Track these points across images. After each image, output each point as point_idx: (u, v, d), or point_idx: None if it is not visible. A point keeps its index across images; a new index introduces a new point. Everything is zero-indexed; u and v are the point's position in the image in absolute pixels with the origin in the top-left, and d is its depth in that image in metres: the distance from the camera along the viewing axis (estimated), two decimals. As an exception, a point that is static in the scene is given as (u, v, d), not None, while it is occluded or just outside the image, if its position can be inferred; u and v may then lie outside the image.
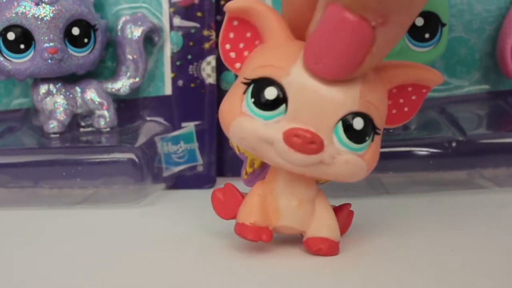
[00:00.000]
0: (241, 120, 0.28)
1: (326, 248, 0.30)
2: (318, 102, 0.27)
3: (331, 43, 0.26)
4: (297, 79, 0.28)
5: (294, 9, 0.29)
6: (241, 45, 0.30)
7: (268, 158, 0.29)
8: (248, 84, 0.28)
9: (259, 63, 0.29)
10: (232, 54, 0.31)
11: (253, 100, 0.28)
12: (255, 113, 0.28)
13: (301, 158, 0.27)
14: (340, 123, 0.28)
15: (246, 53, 0.30)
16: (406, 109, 0.31)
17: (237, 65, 0.31)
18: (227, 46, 0.31)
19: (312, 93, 0.27)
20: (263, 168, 0.32)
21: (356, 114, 0.28)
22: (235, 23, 0.30)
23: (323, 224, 0.30)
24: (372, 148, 0.29)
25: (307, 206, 0.30)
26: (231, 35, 0.30)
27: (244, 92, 0.29)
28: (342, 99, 0.27)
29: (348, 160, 0.28)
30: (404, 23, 0.27)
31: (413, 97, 0.31)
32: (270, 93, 0.28)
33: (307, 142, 0.27)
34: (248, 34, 0.30)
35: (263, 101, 0.28)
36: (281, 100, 0.28)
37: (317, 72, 0.27)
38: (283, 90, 0.28)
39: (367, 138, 0.28)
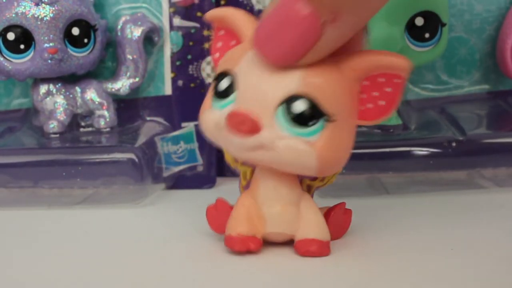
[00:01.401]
0: (205, 113, 0.30)
1: (315, 249, 0.30)
2: (259, 86, 0.28)
3: (278, 30, 0.27)
4: (245, 67, 0.29)
5: None
6: None
7: (225, 147, 0.30)
8: (214, 81, 0.30)
9: (222, 60, 0.30)
10: None
11: (213, 92, 0.30)
12: (215, 105, 0.29)
13: (239, 141, 0.28)
14: (282, 107, 0.28)
15: None
16: (382, 102, 0.29)
17: None
18: (217, 55, 0.32)
19: (255, 78, 0.28)
20: None
21: (297, 96, 0.28)
22: (221, 33, 0.32)
23: (310, 225, 0.30)
24: (326, 136, 0.28)
25: (292, 209, 0.30)
26: (219, 44, 0.32)
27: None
28: (284, 82, 0.28)
29: (290, 145, 0.28)
30: (354, 23, 0.27)
31: (388, 89, 0.29)
32: (223, 83, 0.29)
33: (238, 122, 0.28)
34: (233, 42, 0.31)
35: (219, 92, 0.29)
36: (232, 88, 0.29)
37: (261, 55, 0.28)
38: (234, 79, 0.29)
39: (311, 122, 0.28)
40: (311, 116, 0.27)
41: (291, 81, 0.28)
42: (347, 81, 0.29)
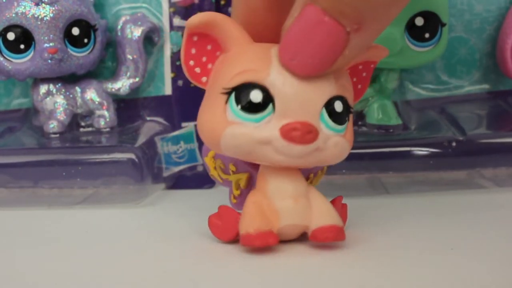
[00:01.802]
0: (231, 128, 0.29)
1: (333, 235, 0.30)
2: (302, 94, 0.29)
3: (306, 43, 0.28)
4: (278, 78, 0.29)
5: (248, 8, 0.31)
6: (204, 59, 0.31)
7: (266, 159, 0.29)
8: (229, 93, 0.29)
9: (235, 71, 0.29)
10: (197, 70, 0.31)
11: (239, 106, 0.29)
12: (244, 118, 0.29)
13: (301, 149, 0.29)
14: (324, 109, 0.29)
15: (209, 65, 0.31)
16: (359, 86, 0.33)
17: (203, 79, 0.31)
18: (191, 63, 0.31)
19: (295, 87, 0.29)
20: (250, 185, 0.33)
21: (335, 98, 0.29)
22: (195, 38, 0.31)
23: (323, 213, 0.31)
24: (349, 126, 0.31)
25: (303, 201, 0.31)
26: (193, 51, 0.31)
27: (226, 102, 0.29)
28: (323, 86, 0.29)
29: (336, 142, 0.30)
30: (377, 29, 0.28)
31: (364, 74, 0.32)
32: (256, 96, 0.29)
33: (305, 133, 0.28)
34: (209, 47, 0.31)
35: (251, 105, 0.29)
36: (267, 100, 0.29)
37: (291, 68, 0.28)
38: (267, 91, 0.29)
39: (347, 118, 0.30)
40: (346, 113, 0.30)
41: (329, 85, 0.29)
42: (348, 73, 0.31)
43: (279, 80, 0.29)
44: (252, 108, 0.29)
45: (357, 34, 0.27)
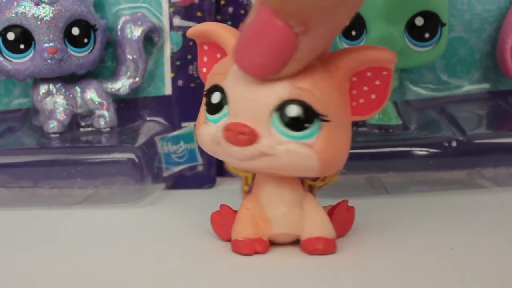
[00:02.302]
0: (201, 128, 0.30)
1: (322, 247, 0.30)
2: (250, 96, 0.28)
3: (257, 43, 0.27)
4: (232, 80, 0.29)
5: None
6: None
7: (224, 159, 0.30)
8: (206, 96, 0.30)
9: (209, 75, 0.31)
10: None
11: (206, 108, 0.30)
12: (209, 120, 0.30)
13: (238, 150, 0.28)
14: (275, 114, 0.28)
15: None
16: (373, 96, 0.30)
17: None
18: (204, 70, 0.32)
19: (244, 89, 0.28)
20: None
21: (289, 101, 0.28)
22: (206, 47, 0.32)
23: (315, 224, 0.31)
24: (323, 136, 0.28)
25: (296, 210, 0.31)
26: (205, 59, 0.32)
27: (206, 104, 0.30)
28: (273, 89, 0.28)
29: (289, 149, 0.28)
30: (327, 33, 0.27)
31: (377, 82, 0.30)
32: (215, 97, 0.30)
33: (237, 133, 0.28)
34: (218, 55, 0.32)
35: (212, 107, 0.30)
36: (223, 102, 0.29)
37: (242, 68, 0.28)
38: (224, 92, 0.29)
39: (306, 125, 0.28)
40: (305, 119, 0.28)
41: (281, 88, 0.28)
42: (335, 79, 0.29)
43: (232, 82, 0.29)
44: (212, 109, 0.30)
45: (306, 37, 0.26)
